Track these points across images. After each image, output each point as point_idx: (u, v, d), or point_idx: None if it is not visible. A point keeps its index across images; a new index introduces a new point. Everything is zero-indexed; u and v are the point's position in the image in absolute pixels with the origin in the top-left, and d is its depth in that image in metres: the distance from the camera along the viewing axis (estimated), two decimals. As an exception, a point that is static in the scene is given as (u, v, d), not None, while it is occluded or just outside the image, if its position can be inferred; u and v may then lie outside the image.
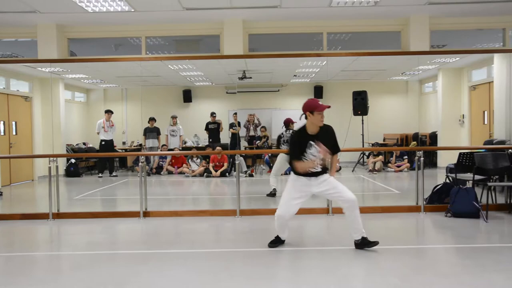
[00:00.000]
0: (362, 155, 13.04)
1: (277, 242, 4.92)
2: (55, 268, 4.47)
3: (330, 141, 4.62)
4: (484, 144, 9.47)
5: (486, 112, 11.05)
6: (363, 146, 12.70)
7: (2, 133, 10.73)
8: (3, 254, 4.87)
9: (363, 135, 12.65)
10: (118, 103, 14.88)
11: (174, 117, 13.08)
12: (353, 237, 4.72)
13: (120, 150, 13.16)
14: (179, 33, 8.44)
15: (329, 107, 4.50)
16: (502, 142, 8.64)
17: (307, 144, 4.55)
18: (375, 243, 4.64)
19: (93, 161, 13.03)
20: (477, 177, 6.44)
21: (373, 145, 13.09)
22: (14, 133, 11.10)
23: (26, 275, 4.11)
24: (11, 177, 10.84)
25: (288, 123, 8.71)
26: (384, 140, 14.41)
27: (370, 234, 5.84)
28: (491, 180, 6.81)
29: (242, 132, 13.45)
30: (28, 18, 7.92)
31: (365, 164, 12.82)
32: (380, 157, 12.24)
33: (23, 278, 4.02)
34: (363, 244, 4.68)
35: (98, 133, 12.02)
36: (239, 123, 13.10)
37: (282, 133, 8.74)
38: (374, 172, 11.78)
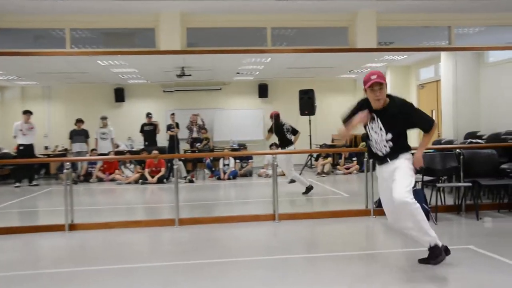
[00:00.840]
0: (310, 157, 13.30)
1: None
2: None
3: (400, 119, 4.10)
4: (433, 144, 9.94)
5: (434, 111, 11.63)
6: (310, 147, 12.97)
7: None
8: None
9: (310, 136, 12.91)
10: (39, 102, 14.30)
11: (104, 119, 12.72)
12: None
13: (41, 156, 12.63)
14: (109, 25, 8.21)
15: (376, 82, 4.06)
16: (450, 142, 9.12)
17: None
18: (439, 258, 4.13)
19: (9, 168, 12.37)
20: (426, 178, 6.75)
21: (321, 146, 13.40)
22: None
23: None
24: None
25: (277, 115, 9.16)
26: (332, 141, 14.78)
27: (320, 240, 5.99)
28: (439, 181, 7.17)
29: (185, 134, 13.31)
30: None
31: (313, 166, 13.08)
32: (329, 159, 12.55)
33: None
34: (429, 257, 4.21)
35: (15, 136, 11.43)
36: (177, 124, 12.96)
37: (283, 122, 9.15)
38: (323, 175, 12.06)
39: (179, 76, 12.41)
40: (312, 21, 8.16)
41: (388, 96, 4.21)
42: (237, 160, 12.55)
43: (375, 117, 4.17)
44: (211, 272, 4.39)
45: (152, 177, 11.51)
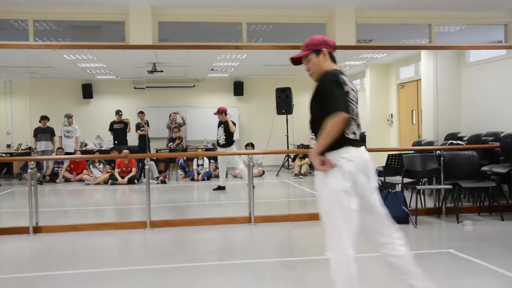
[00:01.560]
0: (287, 158, 13.35)
1: None
2: None
3: (314, 100, 3.12)
4: (413, 145, 10.09)
5: (414, 111, 11.80)
6: (288, 148, 13.00)
7: None
8: None
9: (287, 136, 12.95)
10: (1, 98, 13.96)
11: (69, 117, 12.51)
12: None
13: (3, 155, 12.36)
14: (76, 17, 8.06)
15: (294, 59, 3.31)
16: (431, 143, 9.26)
17: None
18: None
19: (-31, 168, 12.09)
20: (406, 180, 6.84)
21: (298, 147, 13.45)
22: None
23: None
24: None
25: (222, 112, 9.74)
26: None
27: (297, 243, 6.01)
28: (420, 183, 7.27)
29: (162, 133, 13.21)
30: None
31: (290, 167, 13.13)
32: (307, 159, 12.60)
33: None
34: None
35: (-26, 134, 11.20)
36: (147, 123, 12.87)
37: None
38: (300, 176, 12.11)
39: (151, 72, 12.28)
40: (289, 16, 8.18)
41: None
42: (212, 161, 12.50)
43: None
44: (182, 277, 4.36)
45: (122, 177, 11.37)
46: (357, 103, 3.16)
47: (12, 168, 12.72)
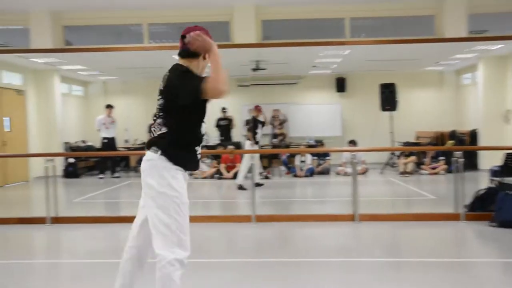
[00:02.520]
0: (391, 155, 12.94)
1: None
2: (54, 277, 4.52)
3: None
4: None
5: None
6: (392, 145, 12.60)
7: (-6, 130, 10.88)
8: (-4, 263, 4.94)
9: (392, 133, 12.56)
10: (119, 97, 14.98)
11: None
12: None
13: (122, 149, 13.25)
14: (185, 19, 8.44)
15: None
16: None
17: None
18: None
19: (93, 160, 13.14)
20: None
21: (404, 144, 12.99)
22: (7, 130, 11.23)
23: (22, 286, 4.15)
24: (5, 178, 10.98)
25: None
26: (416, 138, 14.29)
27: (401, 244, 5.81)
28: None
29: (268, 129, 13.50)
30: (19, 4, 8.00)
31: (395, 165, 12.72)
32: (413, 157, 12.13)
33: (18, 290, 4.07)
34: None
35: (98, 130, 12.13)
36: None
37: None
38: (406, 175, 11.69)
39: (254, 70, 12.50)
40: (393, 10, 7.93)
41: None
42: (314, 157, 12.46)
43: None
44: (283, 272, 4.40)
45: (228, 172, 11.69)
46: (160, 97, 3.14)
47: (130, 162, 13.63)
